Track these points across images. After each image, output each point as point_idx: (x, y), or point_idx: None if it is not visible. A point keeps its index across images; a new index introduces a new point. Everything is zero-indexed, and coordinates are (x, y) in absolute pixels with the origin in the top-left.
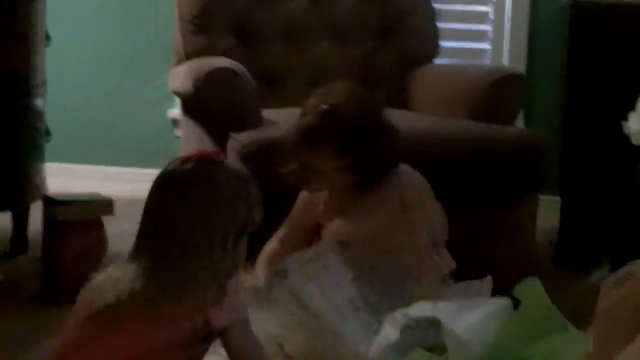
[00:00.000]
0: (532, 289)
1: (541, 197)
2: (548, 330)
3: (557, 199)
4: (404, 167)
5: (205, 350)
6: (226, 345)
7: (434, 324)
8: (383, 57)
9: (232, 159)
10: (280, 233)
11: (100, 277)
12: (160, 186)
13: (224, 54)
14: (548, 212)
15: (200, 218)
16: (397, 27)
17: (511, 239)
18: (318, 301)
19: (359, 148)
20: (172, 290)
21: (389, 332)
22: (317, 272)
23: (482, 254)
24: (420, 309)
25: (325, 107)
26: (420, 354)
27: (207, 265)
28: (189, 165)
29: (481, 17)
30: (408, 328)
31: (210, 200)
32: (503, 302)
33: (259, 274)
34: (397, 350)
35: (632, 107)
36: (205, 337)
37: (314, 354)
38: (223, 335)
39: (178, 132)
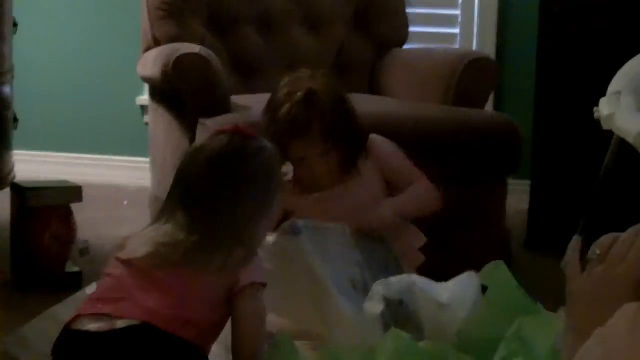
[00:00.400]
0: (498, 272)
1: (511, 180)
2: (517, 312)
3: (527, 182)
4: (373, 137)
5: (227, 316)
6: (235, 308)
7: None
8: (356, 43)
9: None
10: None
11: (135, 235)
12: (193, 155)
13: (194, 40)
14: (518, 196)
15: (231, 187)
16: (368, 12)
17: (482, 222)
18: (321, 267)
19: (339, 129)
20: (208, 242)
21: (372, 306)
22: (326, 242)
23: (454, 238)
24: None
25: (300, 94)
26: (396, 334)
27: (236, 227)
28: (223, 137)
29: (450, 2)
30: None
31: (241, 171)
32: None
33: None
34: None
35: (603, 92)
36: (229, 299)
37: (304, 314)
38: (236, 297)
39: (147, 119)
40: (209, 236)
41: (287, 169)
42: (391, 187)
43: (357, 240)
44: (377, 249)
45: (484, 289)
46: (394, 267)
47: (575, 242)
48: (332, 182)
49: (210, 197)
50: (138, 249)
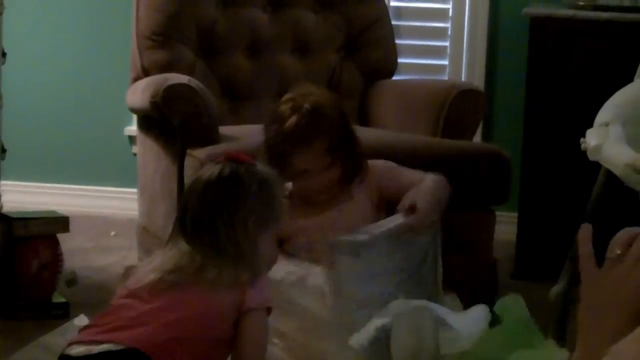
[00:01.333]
0: (514, 305)
1: (500, 212)
2: (524, 345)
3: (515, 214)
4: (374, 162)
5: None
6: (239, 332)
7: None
8: (346, 72)
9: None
10: None
11: (142, 264)
12: (191, 186)
13: (183, 69)
14: (506, 227)
15: (225, 210)
16: (358, 41)
17: (471, 252)
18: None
19: (342, 144)
20: (211, 264)
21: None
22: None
23: (442, 267)
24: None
25: (308, 107)
26: None
27: (236, 248)
28: (216, 165)
29: (439, 33)
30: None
31: (233, 194)
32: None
33: None
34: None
35: (590, 124)
36: (236, 323)
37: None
38: (242, 319)
39: (135, 149)
40: (211, 258)
41: (287, 185)
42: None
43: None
44: (416, 240)
45: (497, 319)
46: (432, 256)
47: (585, 232)
48: (328, 204)
49: (207, 222)
50: (144, 277)
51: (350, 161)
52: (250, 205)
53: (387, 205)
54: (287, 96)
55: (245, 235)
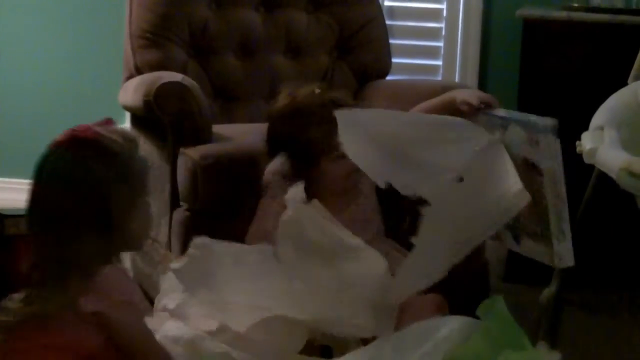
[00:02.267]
0: (495, 306)
1: None
2: (509, 347)
3: None
4: None
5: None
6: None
7: None
8: (339, 72)
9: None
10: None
11: None
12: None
13: (176, 68)
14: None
15: (57, 206)
16: (352, 43)
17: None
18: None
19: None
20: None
21: None
22: None
23: None
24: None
25: (327, 97)
26: None
27: (73, 250)
28: (55, 152)
29: (433, 34)
30: None
31: (61, 192)
32: (457, 324)
33: None
34: None
35: (585, 126)
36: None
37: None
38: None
39: None
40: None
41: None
42: None
43: None
44: None
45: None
46: None
47: None
48: (344, 203)
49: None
50: None
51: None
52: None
53: None
54: (298, 94)
55: (85, 236)
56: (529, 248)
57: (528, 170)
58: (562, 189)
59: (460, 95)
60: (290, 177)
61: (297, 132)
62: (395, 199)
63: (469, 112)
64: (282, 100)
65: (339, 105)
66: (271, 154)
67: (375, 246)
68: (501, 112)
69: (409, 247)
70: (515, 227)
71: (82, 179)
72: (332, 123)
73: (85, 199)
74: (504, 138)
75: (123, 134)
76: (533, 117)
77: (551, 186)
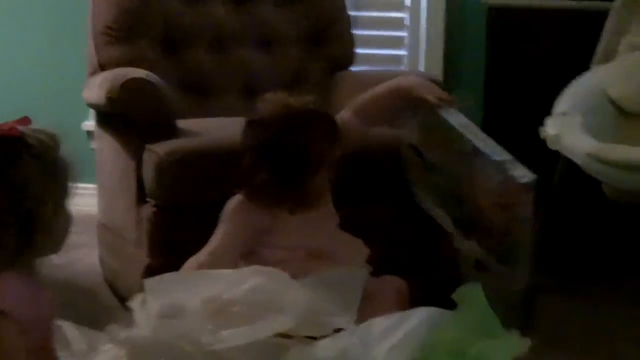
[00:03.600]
0: (472, 293)
1: None
2: (484, 334)
3: None
4: None
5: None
6: None
7: None
8: (311, 65)
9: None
10: (211, 247)
11: None
12: None
13: (141, 64)
14: None
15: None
16: (324, 36)
17: (433, 242)
18: None
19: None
20: None
21: None
22: None
23: (405, 257)
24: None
25: (311, 104)
26: None
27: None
28: None
29: (397, 24)
30: None
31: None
32: (425, 315)
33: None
34: None
35: (549, 112)
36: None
37: None
38: None
39: (93, 145)
40: None
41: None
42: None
43: None
44: None
45: (455, 307)
46: None
47: None
48: (316, 206)
49: None
50: None
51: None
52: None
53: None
54: (278, 96)
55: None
56: (475, 252)
57: (496, 204)
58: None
59: (408, 83)
60: (268, 189)
61: (304, 140)
62: None
63: (423, 106)
64: (276, 106)
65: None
66: (255, 162)
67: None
68: (456, 117)
69: None
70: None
71: (7, 177)
72: (332, 134)
73: (8, 198)
74: (471, 168)
75: (47, 133)
76: (510, 165)
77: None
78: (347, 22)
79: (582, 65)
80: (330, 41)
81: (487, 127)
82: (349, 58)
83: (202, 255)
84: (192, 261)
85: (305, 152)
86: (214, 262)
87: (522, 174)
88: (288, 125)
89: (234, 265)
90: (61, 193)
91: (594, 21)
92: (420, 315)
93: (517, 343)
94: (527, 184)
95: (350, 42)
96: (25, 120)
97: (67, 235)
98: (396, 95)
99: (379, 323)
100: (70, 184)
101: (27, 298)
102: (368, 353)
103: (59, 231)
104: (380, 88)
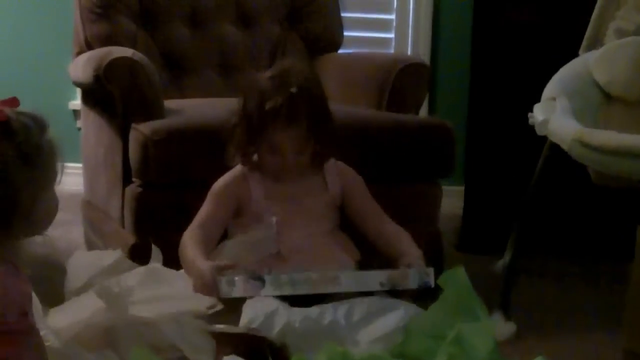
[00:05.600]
0: (456, 277)
1: (446, 187)
2: (466, 316)
3: (461, 187)
4: (337, 162)
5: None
6: None
7: None
8: (290, 43)
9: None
10: (200, 219)
11: None
12: None
13: (126, 42)
14: (452, 200)
15: None
16: (303, 13)
17: (416, 224)
18: None
19: (322, 124)
20: None
21: None
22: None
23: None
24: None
25: (295, 88)
26: (330, 347)
27: None
28: None
29: (385, 7)
30: None
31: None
32: (407, 313)
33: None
34: None
35: (537, 98)
36: None
37: None
38: None
39: (79, 124)
40: None
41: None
42: (348, 210)
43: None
44: None
45: (439, 289)
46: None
47: None
48: (301, 186)
49: None
50: None
51: (326, 140)
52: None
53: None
54: (270, 73)
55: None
56: None
57: None
58: None
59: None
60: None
61: (261, 135)
62: None
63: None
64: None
65: None
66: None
67: (331, 238)
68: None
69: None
70: None
71: None
72: (300, 124)
73: None
74: None
75: (32, 116)
76: None
77: None
78: (333, 2)
79: (570, 51)
80: (312, 19)
81: (474, 112)
82: (337, 40)
83: (194, 229)
84: (185, 238)
85: (255, 126)
86: (205, 234)
87: None
88: (247, 97)
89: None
90: (44, 178)
91: (582, 7)
92: (399, 314)
93: (500, 326)
94: None
95: (336, 23)
96: (13, 102)
97: (52, 217)
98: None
99: (360, 308)
100: (56, 168)
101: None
102: (353, 336)
103: (40, 215)
104: (394, 254)
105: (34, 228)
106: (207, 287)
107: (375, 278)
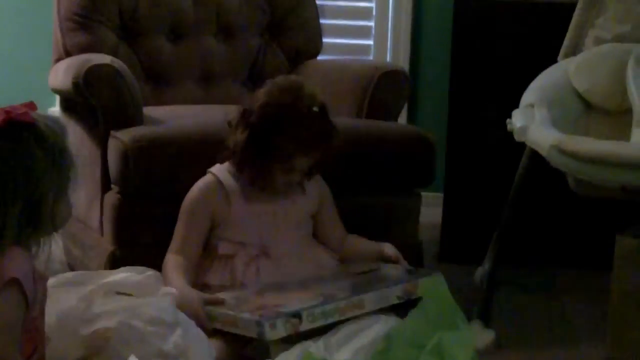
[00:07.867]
0: (435, 285)
1: (425, 193)
2: (447, 325)
3: (441, 195)
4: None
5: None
6: None
7: None
8: (271, 54)
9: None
10: (177, 244)
11: None
12: None
13: (106, 50)
14: (431, 210)
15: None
16: (283, 24)
17: (395, 233)
18: None
19: (335, 147)
20: None
21: None
22: None
23: None
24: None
25: (316, 109)
26: (309, 355)
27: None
28: None
29: (364, 14)
30: None
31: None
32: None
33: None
34: None
35: (516, 104)
36: None
37: None
38: None
39: None
40: None
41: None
42: (318, 217)
43: None
44: None
45: (419, 299)
46: None
47: None
48: (283, 192)
49: None
50: None
51: (332, 158)
52: (45, 180)
53: None
54: (280, 88)
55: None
56: None
57: None
58: None
59: (393, 253)
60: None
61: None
62: None
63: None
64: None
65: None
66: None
67: (306, 247)
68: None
69: None
70: None
71: (19, 162)
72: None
73: (19, 182)
74: None
75: (55, 120)
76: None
77: None
78: (312, 12)
79: (549, 58)
80: (292, 30)
81: (453, 119)
82: (316, 47)
83: (173, 255)
84: (168, 267)
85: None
86: (186, 257)
87: None
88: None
89: (199, 254)
90: (64, 181)
91: (560, 14)
92: (378, 327)
93: (478, 335)
94: None
95: (316, 31)
96: (32, 105)
97: (68, 218)
98: (379, 258)
99: (346, 328)
100: (72, 174)
101: (30, 276)
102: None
103: (60, 215)
104: (371, 251)
105: (52, 229)
106: (195, 317)
107: (393, 293)
